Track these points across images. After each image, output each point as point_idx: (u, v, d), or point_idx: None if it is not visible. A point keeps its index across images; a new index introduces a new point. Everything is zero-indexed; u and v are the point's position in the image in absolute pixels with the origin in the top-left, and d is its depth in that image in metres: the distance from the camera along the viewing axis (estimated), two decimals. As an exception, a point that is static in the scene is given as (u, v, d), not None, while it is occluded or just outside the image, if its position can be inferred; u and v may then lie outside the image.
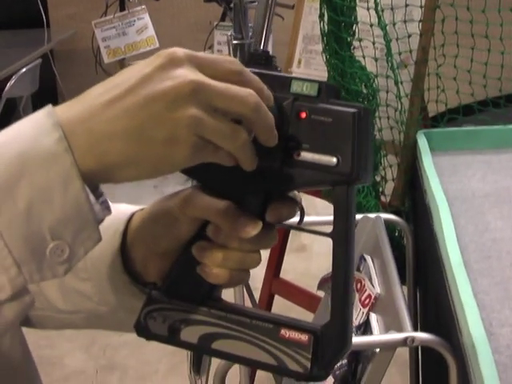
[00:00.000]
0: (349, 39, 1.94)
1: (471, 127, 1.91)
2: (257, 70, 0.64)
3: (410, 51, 1.91)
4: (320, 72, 2.28)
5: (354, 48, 1.97)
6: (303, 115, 0.63)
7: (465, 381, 1.15)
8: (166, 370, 3.03)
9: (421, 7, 1.87)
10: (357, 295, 1.49)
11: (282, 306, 2.59)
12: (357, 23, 1.94)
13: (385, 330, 1.39)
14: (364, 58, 1.97)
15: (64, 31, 5.44)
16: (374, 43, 1.94)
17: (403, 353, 1.39)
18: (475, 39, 1.85)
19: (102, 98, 0.57)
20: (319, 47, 2.25)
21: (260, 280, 2.64)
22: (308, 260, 3.84)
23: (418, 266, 1.80)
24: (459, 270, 1.27)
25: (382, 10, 1.90)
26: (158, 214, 0.71)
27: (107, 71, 4.69)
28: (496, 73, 1.88)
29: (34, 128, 0.56)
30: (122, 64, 4.68)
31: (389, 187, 2.00)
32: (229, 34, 1.97)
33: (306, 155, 0.63)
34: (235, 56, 1.92)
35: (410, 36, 1.91)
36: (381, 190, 2.02)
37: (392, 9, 1.92)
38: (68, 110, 0.57)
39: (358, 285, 1.51)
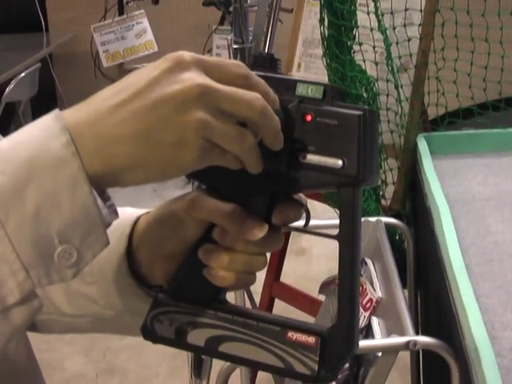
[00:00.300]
0: (349, 43, 1.94)
1: (471, 131, 1.91)
2: (262, 73, 0.64)
3: (410, 55, 1.91)
4: (320, 76, 2.28)
5: (355, 52, 1.97)
6: (309, 118, 0.64)
7: (467, 384, 1.15)
8: (167, 373, 3.03)
9: (420, 11, 1.87)
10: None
11: (282, 310, 2.59)
12: (357, 27, 1.94)
13: (386, 333, 1.39)
14: (364, 61, 1.98)
15: (63, 35, 5.44)
16: (374, 47, 1.95)
17: (404, 356, 1.39)
18: (475, 43, 1.85)
19: (110, 102, 0.57)
20: (319, 51, 2.26)
21: (260, 284, 2.64)
22: (308, 263, 3.84)
23: (418, 270, 1.80)
24: (461, 273, 1.27)
25: (382, 14, 1.90)
26: (164, 217, 0.71)
27: (106, 75, 4.69)
28: (496, 76, 1.89)
29: (41, 132, 0.56)
30: (120, 68, 4.68)
31: (389, 191, 2.00)
32: (229, 38, 1.97)
33: (312, 158, 0.63)
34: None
35: (409, 40, 1.91)
36: (381, 193, 2.02)
37: (392, 13, 1.92)
38: (75, 113, 0.57)
39: (360, 289, 1.51)
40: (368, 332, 1.43)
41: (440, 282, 1.37)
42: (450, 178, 1.73)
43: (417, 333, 1.32)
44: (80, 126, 0.56)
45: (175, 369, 2.99)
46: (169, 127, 0.56)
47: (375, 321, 1.44)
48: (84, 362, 3.13)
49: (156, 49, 4.54)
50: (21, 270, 0.55)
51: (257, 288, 2.58)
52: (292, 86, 0.65)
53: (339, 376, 1.37)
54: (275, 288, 2.60)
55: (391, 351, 1.26)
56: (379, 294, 1.47)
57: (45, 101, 4.90)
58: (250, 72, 0.61)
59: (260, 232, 0.66)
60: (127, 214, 0.76)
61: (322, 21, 1.97)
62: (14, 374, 0.78)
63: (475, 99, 1.92)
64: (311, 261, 3.89)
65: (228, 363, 1.23)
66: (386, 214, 1.89)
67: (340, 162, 0.62)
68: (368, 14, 1.91)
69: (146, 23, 4.58)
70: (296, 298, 2.56)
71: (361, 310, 1.47)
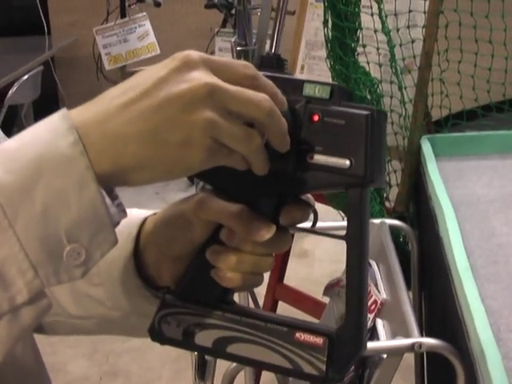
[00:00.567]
0: (353, 45, 1.94)
1: (476, 133, 1.91)
2: (269, 74, 0.64)
3: (414, 57, 1.91)
4: (323, 78, 2.28)
5: (358, 54, 1.97)
6: (316, 118, 0.63)
7: (473, 386, 1.15)
8: (170, 376, 3.02)
9: (424, 13, 1.87)
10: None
11: (285, 312, 2.58)
12: (361, 29, 1.94)
13: (391, 335, 1.39)
14: (368, 63, 1.98)
15: (65, 38, 5.45)
16: (377, 49, 1.95)
17: (407, 358, 1.39)
18: (479, 44, 1.85)
19: (117, 101, 0.57)
20: (322, 53, 2.26)
21: (264, 286, 2.63)
22: (310, 266, 3.84)
23: (422, 272, 1.79)
24: (466, 274, 1.27)
25: (386, 16, 1.90)
26: (172, 218, 0.71)
27: (108, 78, 4.70)
28: (500, 78, 1.89)
29: (49, 131, 0.56)
30: (123, 71, 4.68)
31: (393, 193, 2.00)
32: (232, 40, 1.97)
33: (320, 158, 0.63)
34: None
35: (413, 41, 1.91)
36: (385, 195, 2.02)
37: (395, 14, 1.92)
38: (83, 113, 0.57)
39: (365, 290, 1.50)
40: (373, 334, 1.43)
41: (445, 283, 1.37)
42: (455, 180, 1.73)
43: (421, 335, 1.31)
44: (87, 125, 0.56)
45: (178, 371, 2.99)
46: (176, 127, 0.56)
47: (380, 323, 1.44)
48: (87, 364, 3.13)
49: (158, 51, 4.54)
50: (29, 269, 0.54)
51: (260, 290, 2.58)
52: (299, 86, 0.65)
53: (344, 378, 1.37)
54: (279, 290, 2.60)
55: (396, 353, 1.25)
56: (384, 295, 1.47)
57: (47, 104, 4.90)
58: (258, 73, 0.61)
59: (268, 233, 0.65)
60: (134, 215, 0.76)
61: (325, 23, 1.97)
62: (21, 377, 0.78)
63: (479, 101, 1.92)
64: (313, 263, 3.89)
65: (233, 365, 1.23)
66: (390, 216, 1.89)
67: (347, 163, 0.62)
68: (372, 15, 1.91)
69: (148, 26, 4.59)
70: (299, 300, 2.55)
71: (365, 311, 1.47)
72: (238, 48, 1.91)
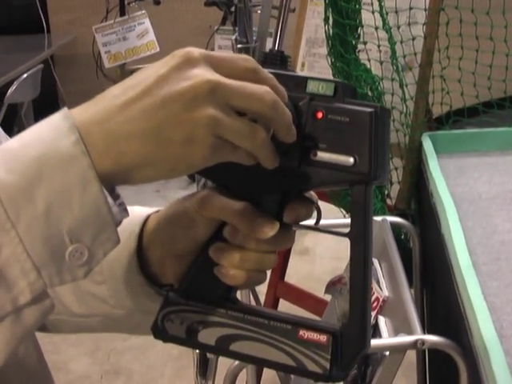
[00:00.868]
0: (354, 42, 1.94)
1: (477, 129, 1.90)
2: (272, 70, 0.64)
3: (415, 54, 1.91)
4: (324, 75, 2.27)
5: (359, 51, 1.97)
6: (320, 115, 0.63)
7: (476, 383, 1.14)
8: (172, 374, 3.02)
9: (425, 10, 1.87)
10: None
11: (286, 310, 2.58)
12: (362, 26, 1.94)
13: (394, 332, 1.39)
14: (369, 60, 1.97)
15: (64, 36, 5.45)
16: (378, 46, 1.94)
17: (408, 355, 1.39)
18: (479, 41, 1.85)
19: (119, 100, 0.57)
20: (322, 50, 2.26)
21: (265, 284, 2.63)
22: (311, 263, 3.84)
23: (424, 269, 1.79)
24: (468, 272, 1.26)
25: (387, 13, 1.89)
26: (175, 216, 0.71)
27: (108, 76, 4.70)
28: (501, 74, 1.88)
29: (50, 131, 0.56)
30: (122, 69, 4.68)
31: (394, 190, 2.00)
32: (233, 37, 1.97)
33: (323, 155, 0.63)
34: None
35: (414, 39, 1.91)
36: (386, 192, 2.02)
37: (396, 12, 1.92)
38: (84, 112, 0.57)
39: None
40: (375, 331, 1.43)
41: (447, 281, 1.37)
42: (456, 177, 1.73)
43: (423, 332, 1.31)
44: (89, 125, 0.56)
45: (180, 369, 2.99)
46: (178, 124, 0.56)
47: (382, 320, 1.44)
48: (89, 363, 3.13)
49: (158, 49, 4.54)
50: (32, 269, 0.54)
51: (261, 288, 2.58)
52: (303, 83, 0.65)
53: (348, 376, 1.37)
54: (280, 288, 2.60)
55: (399, 350, 1.25)
56: (386, 293, 1.47)
57: (46, 102, 4.90)
58: (259, 66, 0.61)
59: (271, 230, 0.65)
60: (136, 213, 0.76)
61: (326, 20, 1.96)
62: (24, 377, 0.78)
63: (480, 98, 1.92)
64: (314, 260, 3.89)
65: (236, 363, 1.23)
66: (392, 214, 1.89)
67: (351, 160, 0.62)
68: (373, 12, 1.91)
69: (147, 24, 4.59)
70: (301, 297, 2.55)
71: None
72: (239, 46, 1.90)
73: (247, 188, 0.66)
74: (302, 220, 0.68)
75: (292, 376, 1.75)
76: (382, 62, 1.95)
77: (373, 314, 1.45)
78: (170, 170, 0.58)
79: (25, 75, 4.41)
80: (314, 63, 2.45)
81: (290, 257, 2.71)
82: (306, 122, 0.64)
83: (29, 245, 0.54)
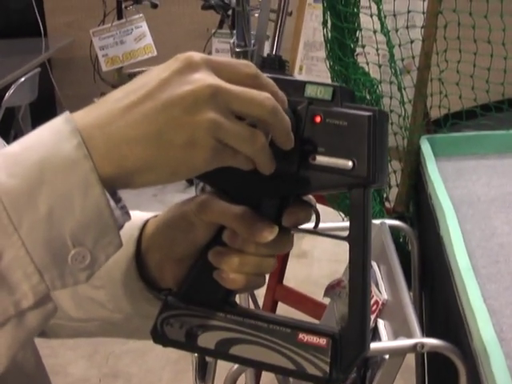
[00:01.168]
0: (352, 45, 1.94)
1: (475, 132, 1.91)
2: (271, 75, 0.64)
3: (413, 57, 1.91)
4: (322, 79, 2.28)
5: (358, 54, 1.97)
6: (318, 119, 0.64)
7: (475, 386, 1.14)
8: (170, 378, 3.02)
9: (423, 13, 1.87)
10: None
11: (285, 313, 2.58)
12: (360, 30, 1.94)
13: (393, 336, 1.39)
14: (367, 64, 1.98)
15: (62, 40, 5.44)
16: (377, 49, 1.94)
17: (407, 359, 1.39)
18: (477, 44, 1.85)
19: (120, 104, 0.57)
20: (320, 54, 2.26)
21: (263, 287, 2.63)
22: (309, 266, 3.84)
23: (423, 272, 1.79)
24: (468, 275, 1.26)
25: (385, 17, 1.89)
26: (174, 220, 0.71)
27: (105, 79, 4.70)
28: (498, 77, 1.88)
29: (52, 135, 0.56)
30: (120, 72, 4.69)
31: (393, 193, 2.00)
32: (231, 41, 1.97)
33: (322, 159, 0.63)
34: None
35: (412, 42, 1.91)
36: (385, 195, 2.02)
37: (394, 15, 1.92)
38: (86, 115, 0.57)
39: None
40: (374, 334, 1.43)
41: (446, 284, 1.37)
42: (454, 180, 1.73)
43: (423, 335, 1.31)
44: (91, 128, 0.56)
45: (179, 373, 2.99)
46: (180, 128, 0.56)
47: (381, 323, 1.44)
48: (87, 366, 3.13)
49: (155, 53, 4.55)
50: (34, 273, 0.54)
51: (260, 291, 2.58)
52: (301, 87, 0.65)
53: (348, 379, 1.36)
54: (278, 291, 2.60)
55: (398, 353, 1.25)
56: (385, 296, 1.47)
57: (44, 106, 4.90)
58: (259, 71, 0.61)
59: (270, 234, 0.65)
60: (135, 217, 0.75)
61: (325, 23, 1.96)
62: (22, 381, 0.78)
63: (478, 101, 1.92)
64: (312, 264, 3.89)
65: (235, 367, 1.23)
66: (390, 217, 1.89)
67: (350, 163, 0.62)
68: (371, 16, 1.91)
69: (144, 27, 4.60)
70: (299, 301, 2.55)
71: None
72: (237, 49, 1.90)
73: (246, 192, 0.66)
74: (301, 224, 0.68)
75: (291, 379, 1.74)
76: (380, 65, 1.96)
77: (372, 317, 1.45)
78: (172, 173, 0.58)
79: (22, 79, 4.41)
80: (312, 66, 2.45)
81: (288, 260, 2.71)
82: (304, 127, 0.64)
83: (31, 248, 0.54)
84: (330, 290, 1.61)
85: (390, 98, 1.95)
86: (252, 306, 2.16)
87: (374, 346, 1.30)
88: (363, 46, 1.95)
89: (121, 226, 0.59)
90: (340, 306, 1.58)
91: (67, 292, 0.78)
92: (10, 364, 0.56)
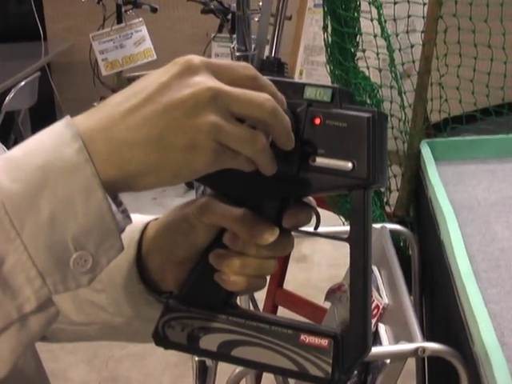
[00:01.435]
0: (352, 50, 1.94)
1: (475, 137, 1.91)
2: (270, 77, 0.64)
3: (413, 61, 1.91)
4: (322, 83, 2.27)
5: (358, 59, 1.97)
6: (317, 121, 0.64)
7: (476, 391, 1.14)
8: (170, 382, 3.02)
9: (423, 17, 1.87)
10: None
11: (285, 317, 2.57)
12: (360, 34, 1.94)
13: (394, 340, 1.39)
14: (368, 68, 1.98)
15: (61, 44, 5.44)
16: (377, 54, 1.94)
17: (407, 363, 1.38)
18: (477, 49, 1.85)
19: (121, 107, 0.57)
20: (321, 58, 2.26)
21: (263, 291, 2.62)
22: (308, 270, 3.83)
23: (423, 276, 1.79)
24: (469, 279, 1.26)
25: (385, 21, 1.89)
26: (175, 223, 0.71)
27: (105, 84, 4.70)
28: (498, 82, 1.89)
29: (53, 139, 0.56)
30: (119, 76, 4.69)
31: (393, 197, 2.00)
32: (232, 45, 1.96)
33: (322, 161, 0.63)
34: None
35: (412, 46, 1.91)
36: (385, 199, 2.02)
37: (395, 19, 1.92)
38: (87, 120, 0.57)
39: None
40: (375, 339, 1.42)
41: (447, 288, 1.37)
42: (454, 185, 1.73)
43: (424, 339, 1.31)
44: (92, 132, 0.56)
45: (179, 377, 2.98)
46: (180, 131, 0.56)
47: (382, 328, 1.43)
48: (87, 370, 3.12)
49: (155, 57, 4.55)
50: (37, 277, 0.54)
51: (260, 295, 2.57)
52: (300, 89, 0.65)
53: (350, 380, 1.36)
54: (278, 295, 2.59)
55: (400, 358, 1.25)
56: (386, 300, 1.47)
57: (44, 110, 4.90)
58: (258, 73, 0.61)
59: (271, 236, 0.65)
60: (136, 220, 0.75)
61: (325, 28, 1.96)
62: None
63: (478, 105, 1.92)
64: (312, 267, 3.88)
65: (237, 370, 1.22)
66: (391, 221, 1.89)
67: (350, 165, 0.62)
68: (371, 20, 1.91)
69: (144, 31, 4.60)
70: (299, 304, 2.55)
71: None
72: (238, 53, 1.89)
73: (246, 194, 0.66)
74: (301, 225, 0.68)
75: (293, 381, 1.74)
76: (380, 70, 1.96)
77: (373, 321, 1.45)
78: (173, 176, 0.58)
79: (22, 83, 4.41)
80: (312, 71, 2.45)
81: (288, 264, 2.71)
82: (304, 128, 0.64)
83: (33, 253, 0.54)
84: (331, 294, 1.60)
85: (391, 102, 1.95)
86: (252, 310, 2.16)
87: (374, 350, 1.30)
88: (363, 51, 1.95)
89: (122, 230, 0.59)
90: (341, 310, 1.57)
91: (68, 296, 0.78)
92: (14, 368, 0.56)
